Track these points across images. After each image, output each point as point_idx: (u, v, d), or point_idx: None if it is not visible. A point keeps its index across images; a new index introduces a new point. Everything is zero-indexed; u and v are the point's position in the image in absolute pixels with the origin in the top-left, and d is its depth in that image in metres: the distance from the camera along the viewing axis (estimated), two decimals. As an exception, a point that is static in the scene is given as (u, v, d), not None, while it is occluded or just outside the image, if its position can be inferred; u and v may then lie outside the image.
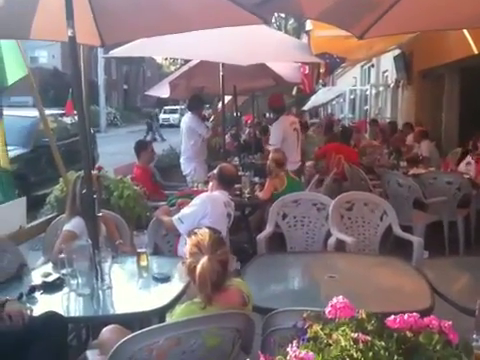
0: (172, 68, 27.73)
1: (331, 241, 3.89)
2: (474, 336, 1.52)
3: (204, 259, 2.01)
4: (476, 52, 6.96)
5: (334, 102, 22.52)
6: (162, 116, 37.37)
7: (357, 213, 4.22)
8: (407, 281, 2.79)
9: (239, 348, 2.01)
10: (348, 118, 18.37)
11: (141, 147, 5.66)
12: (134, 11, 3.37)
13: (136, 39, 4.66)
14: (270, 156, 5.17)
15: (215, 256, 2.03)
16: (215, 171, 3.90)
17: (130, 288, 2.78)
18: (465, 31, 6.72)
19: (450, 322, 1.43)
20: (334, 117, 19.06)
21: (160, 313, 2.40)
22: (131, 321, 2.66)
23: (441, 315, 1.60)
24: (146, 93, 9.76)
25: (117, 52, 5.40)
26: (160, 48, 5.32)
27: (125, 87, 44.69)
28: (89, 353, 2.43)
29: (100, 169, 4.48)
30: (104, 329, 2.36)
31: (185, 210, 3.52)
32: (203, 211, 3.48)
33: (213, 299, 2.02)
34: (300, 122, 9.75)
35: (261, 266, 3.11)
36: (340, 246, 3.89)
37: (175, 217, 3.47)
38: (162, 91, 7.59)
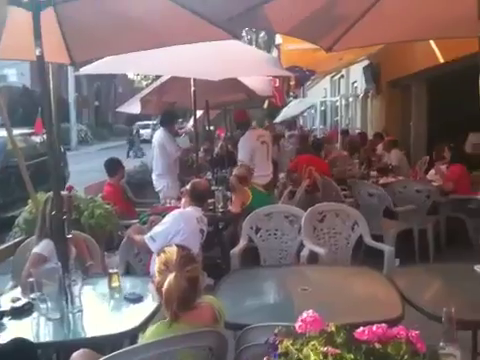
0: (144, 83, 27.63)
1: (304, 253, 3.92)
2: (441, 344, 1.54)
3: (171, 276, 2.00)
4: (442, 61, 7.16)
5: (306, 113, 22.78)
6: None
7: (329, 224, 4.26)
8: (378, 290, 2.82)
9: (212, 366, 1.99)
10: (320, 129, 18.60)
11: (112, 164, 5.61)
12: (103, 28, 3.35)
13: (106, 56, 4.66)
14: (233, 172, 5.21)
15: (183, 273, 2.02)
16: (187, 187, 3.89)
17: (101, 310, 2.74)
18: (431, 41, 6.92)
19: (417, 332, 1.45)
20: (304, 128, 19.31)
21: (131, 335, 2.37)
22: (102, 344, 2.61)
23: (412, 323, 1.62)
24: (117, 109, 9.73)
25: (87, 69, 5.36)
26: (131, 65, 5.32)
27: (96, 104, 44.29)
28: (60, 379, 2.38)
29: (70, 189, 4.42)
30: (74, 354, 2.31)
31: (157, 228, 3.50)
32: (175, 228, 3.46)
33: (181, 317, 2.00)
34: (273, 134, 9.84)
35: (234, 282, 3.10)
36: (313, 258, 3.92)
37: (147, 235, 3.45)
38: (133, 107, 7.56)
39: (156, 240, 3.37)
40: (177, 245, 2.23)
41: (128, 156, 23.75)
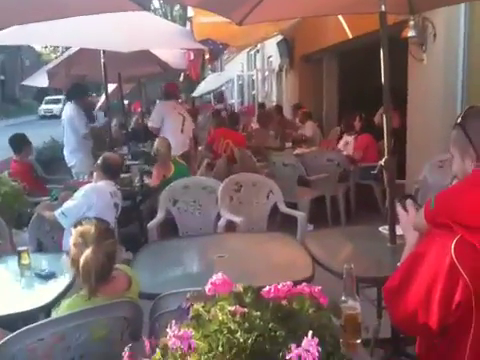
0: (53, 56, 26.21)
1: (221, 223, 3.98)
2: (343, 298, 1.65)
3: (88, 251, 1.96)
4: (351, 36, 7.41)
5: (224, 87, 22.78)
6: (44, 107, 35.37)
7: (245, 194, 4.35)
8: (291, 254, 2.93)
9: (128, 336, 1.99)
10: (237, 103, 18.69)
11: (17, 141, 5.33)
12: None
13: (8, 26, 4.35)
14: (156, 144, 5.14)
15: (100, 247, 1.99)
16: (98, 161, 3.79)
17: (12, 289, 2.64)
18: (340, 18, 7.13)
19: (320, 287, 1.53)
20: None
21: (46, 311, 2.31)
22: (15, 323, 2.52)
23: (324, 283, 1.71)
24: (23, 83, 9.18)
25: (-11, 40, 5.00)
26: (37, 36, 5.00)
27: (1, 78, 41.52)
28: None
29: (-27, 167, 4.16)
30: (-19, 334, 2.21)
31: (68, 203, 3.40)
32: (88, 203, 3.38)
33: (98, 290, 1.99)
34: (190, 109, 9.80)
35: (152, 253, 3.11)
36: (231, 227, 4.00)
37: (57, 211, 3.34)
38: (40, 80, 7.17)
39: (68, 216, 3.28)
40: (95, 218, 2.21)
41: None
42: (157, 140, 5.23)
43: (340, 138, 7.22)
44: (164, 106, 6.39)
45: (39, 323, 1.82)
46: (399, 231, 2.82)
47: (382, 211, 5.58)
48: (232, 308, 1.36)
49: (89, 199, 3.39)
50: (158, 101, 8.31)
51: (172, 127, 6.02)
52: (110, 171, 3.72)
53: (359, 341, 1.60)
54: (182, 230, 4.26)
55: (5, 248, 3.08)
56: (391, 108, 3.03)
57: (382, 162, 2.82)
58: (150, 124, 6.29)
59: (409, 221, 1.96)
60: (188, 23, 8.57)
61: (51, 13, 3.42)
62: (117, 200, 3.68)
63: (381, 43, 2.82)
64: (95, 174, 3.77)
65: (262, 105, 12.38)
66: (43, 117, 32.88)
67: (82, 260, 1.96)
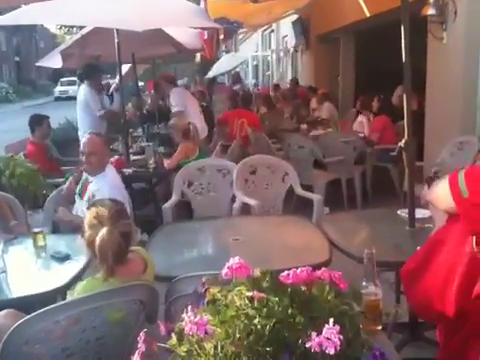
0: (67, 38, 26.16)
1: (236, 205, 3.95)
2: (364, 283, 1.61)
3: (104, 230, 1.95)
4: (368, 15, 7.24)
5: (238, 68, 22.61)
6: (59, 88, 35.50)
7: (260, 176, 4.31)
8: (307, 237, 2.89)
9: (143, 319, 1.98)
10: (252, 84, 18.54)
11: (35, 122, 5.33)
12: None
13: (21, 5, 4.32)
14: (188, 125, 5.07)
15: (116, 227, 1.97)
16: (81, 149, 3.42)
17: (27, 270, 2.63)
18: (358, -5, 6.97)
19: (340, 272, 1.49)
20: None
21: (61, 293, 2.31)
22: (31, 305, 2.53)
23: (341, 266, 1.68)
24: (37, 64, 9.17)
25: (2, 20, 4.97)
26: (49, 15, 4.96)
27: (17, 59, 41.67)
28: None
29: (-13, 148, 4.17)
30: (-4, 314, 2.23)
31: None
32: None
33: (115, 271, 1.97)
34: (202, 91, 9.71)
35: (167, 235, 3.09)
36: (246, 210, 3.97)
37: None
38: (54, 61, 7.11)
39: None
40: (110, 199, 2.18)
41: None
42: (187, 121, 5.17)
43: (355, 120, 7.12)
44: (181, 91, 6.29)
45: (55, 306, 1.81)
46: (419, 214, 2.78)
47: (399, 194, 5.50)
48: (250, 294, 1.32)
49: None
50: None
51: (193, 111, 5.97)
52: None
53: (380, 327, 1.56)
54: (197, 212, 4.24)
55: (21, 229, 3.08)
56: (410, 89, 2.94)
57: (402, 143, 2.74)
58: (176, 109, 6.04)
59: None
60: (202, 1, 8.45)
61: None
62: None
63: (402, 20, 2.72)
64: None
65: (277, 86, 12.24)
66: (58, 98, 33.01)
67: (98, 240, 1.94)
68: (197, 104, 6.17)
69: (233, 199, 4.14)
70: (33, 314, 1.75)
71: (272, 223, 3.37)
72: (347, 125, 7.29)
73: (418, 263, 1.64)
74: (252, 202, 3.83)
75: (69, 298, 2.15)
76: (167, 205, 3.99)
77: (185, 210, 4.49)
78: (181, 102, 6.05)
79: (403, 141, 2.74)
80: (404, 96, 2.78)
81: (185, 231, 3.20)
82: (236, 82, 15.37)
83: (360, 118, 6.73)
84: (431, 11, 5.13)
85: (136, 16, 4.88)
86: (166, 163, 5.01)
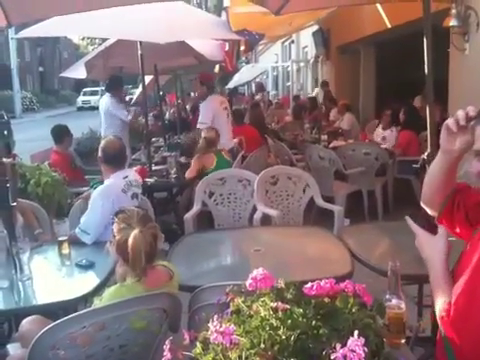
0: (90, 48, 26.64)
1: (257, 216, 3.96)
2: (387, 296, 1.60)
3: (135, 231, 2.00)
4: (389, 26, 7.24)
5: (258, 79, 22.71)
6: (82, 98, 36.13)
7: (281, 187, 4.32)
8: (328, 249, 2.89)
9: (167, 328, 2.00)
10: (272, 94, 18.59)
11: (58, 131, 5.44)
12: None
13: (47, 18, 4.42)
14: (203, 134, 5.09)
15: (146, 228, 2.04)
16: (99, 154, 3.34)
17: (52, 277, 2.69)
18: (378, 6, 6.97)
19: (364, 285, 1.49)
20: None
21: (84, 300, 2.34)
22: (55, 311, 2.57)
23: (362, 278, 1.67)
24: (61, 74, 9.36)
25: (28, 32, 5.10)
26: (74, 27, 5.09)
27: (41, 69, 42.50)
28: (10, 347, 2.33)
29: (14, 157, 4.24)
30: (24, 321, 2.28)
31: (83, 219, 3.13)
32: (101, 211, 3.06)
33: (146, 274, 2.03)
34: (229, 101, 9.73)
35: (188, 245, 3.11)
36: (266, 220, 3.98)
37: (77, 230, 3.08)
38: (78, 72, 7.28)
39: (89, 232, 3.05)
40: (136, 207, 2.24)
41: None
42: (205, 131, 5.12)
43: (374, 130, 7.08)
44: (212, 102, 5.91)
45: (82, 312, 1.84)
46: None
47: (421, 206, 5.43)
48: (274, 304, 1.34)
49: (102, 207, 3.10)
50: (192, 94, 8.15)
51: (221, 123, 5.79)
52: (114, 160, 3.30)
53: (403, 341, 1.55)
54: (217, 222, 4.26)
55: (46, 238, 3.14)
56: (433, 100, 2.93)
57: (425, 156, 2.73)
58: (201, 126, 5.61)
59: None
60: (223, 13, 8.52)
61: (88, 4, 3.46)
62: (135, 190, 3.36)
63: (424, 31, 2.73)
64: (102, 169, 3.38)
65: (297, 97, 12.27)
66: (81, 108, 33.57)
67: (131, 240, 1.98)
68: (225, 116, 6.06)
69: (254, 209, 4.15)
70: (61, 320, 1.79)
71: (293, 234, 3.37)
72: (368, 136, 7.26)
73: (464, 303, 1.40)
74: (273, 213, 3.84)
75: (96, 303, 2.19)
76: (188, 215, 4.02)
77: (206, 220, 4.52)
78: (209, 115, 5.76)
79: (426, 153, 2.73)
80: (427, 108, 2.77)
81: (206, 241, 3.22)
82: (259, 91, 15.51)
83: (381, 132, 6.67)
84: (453, 22, 5.10)
85: (160, 29, 4.97)
86: (187, 173, 5.04)
